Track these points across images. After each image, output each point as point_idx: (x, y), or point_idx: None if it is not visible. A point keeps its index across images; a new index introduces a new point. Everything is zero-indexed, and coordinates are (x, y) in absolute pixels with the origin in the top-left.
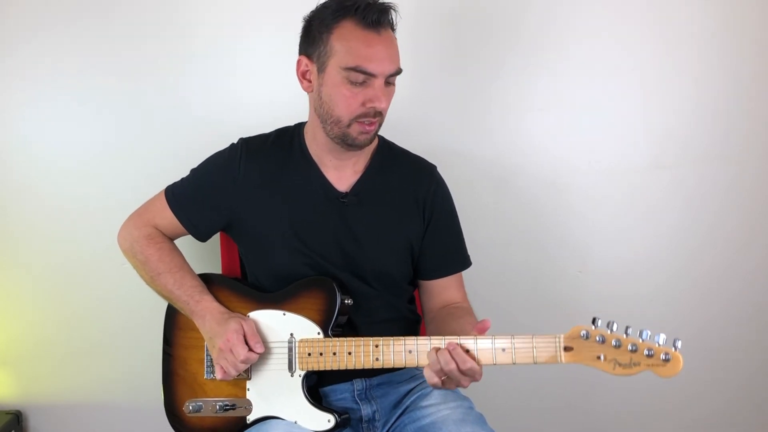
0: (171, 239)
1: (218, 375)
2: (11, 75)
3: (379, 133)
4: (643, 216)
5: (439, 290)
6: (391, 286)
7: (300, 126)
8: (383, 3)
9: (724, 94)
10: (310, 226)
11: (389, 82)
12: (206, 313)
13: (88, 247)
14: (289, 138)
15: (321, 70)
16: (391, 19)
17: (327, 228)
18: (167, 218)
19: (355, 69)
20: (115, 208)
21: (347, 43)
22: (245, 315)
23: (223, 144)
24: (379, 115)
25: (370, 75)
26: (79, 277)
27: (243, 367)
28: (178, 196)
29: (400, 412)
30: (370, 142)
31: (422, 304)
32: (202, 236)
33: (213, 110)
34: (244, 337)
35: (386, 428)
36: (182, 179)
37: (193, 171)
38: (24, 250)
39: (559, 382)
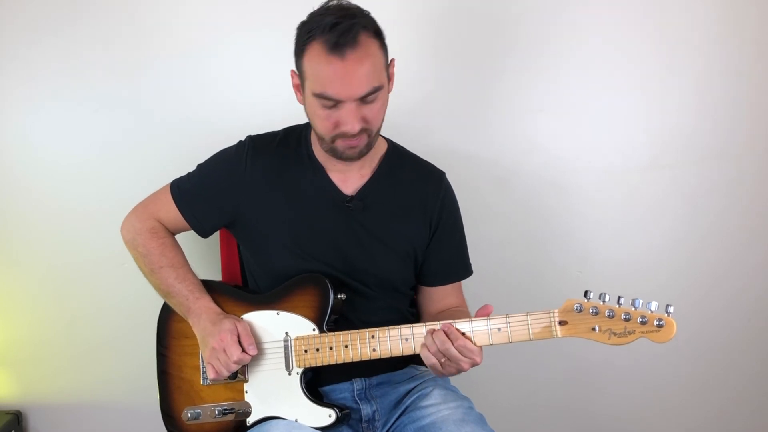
0: (173, 234)
1: (210, 375)
2: (11, 75)
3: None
4: (643, 216)
5: (439, 297)
6: (391, 291)
7: (308, 126)
8: (349, 23)
9: (724, 94)
10: (313, 229)
11: (367, 100)
12: (202, 312)
13: (88, 247)
14: (297, 138)
15: (303, 88)
16: (369, 30)
17: (330, 232)
18: (171, 212)
19: (321, 95)
20: (115, 208)
21: (314, 67)
22: (239, 317)
23: (223, 144)
24: (364, 131)
25: (337, 100)
26: (79, 277)
27: (235, 367)
28: (183, 191)
29: (399, 412)
30: (361, 156)
31: (420, 307)
32: (204, 232)
33: (213, 110)
34: (238, 337)
35: (386, 428)
36: (188, 174)
37: (199, 166)
38: (24, 250)
39: (559, 382)
